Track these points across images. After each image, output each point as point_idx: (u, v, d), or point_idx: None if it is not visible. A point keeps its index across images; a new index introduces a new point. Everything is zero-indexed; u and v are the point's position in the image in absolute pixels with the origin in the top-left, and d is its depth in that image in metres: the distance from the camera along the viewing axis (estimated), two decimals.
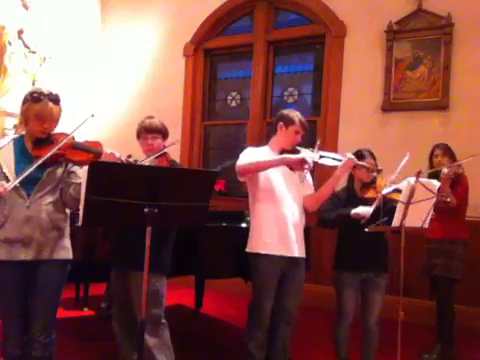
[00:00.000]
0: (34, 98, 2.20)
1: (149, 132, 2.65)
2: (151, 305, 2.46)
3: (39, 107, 2.20)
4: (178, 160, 3.50)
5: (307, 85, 5.70)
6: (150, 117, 2.74)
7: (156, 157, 2.50)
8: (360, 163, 2.77)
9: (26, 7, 5.50)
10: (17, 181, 2.12)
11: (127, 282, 2.53)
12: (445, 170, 3.27)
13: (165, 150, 2.58)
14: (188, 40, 6.04)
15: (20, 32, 5.43)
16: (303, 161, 2.62)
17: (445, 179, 3.24)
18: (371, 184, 2.84)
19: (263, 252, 2.73)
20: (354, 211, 2.74)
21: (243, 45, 5.88)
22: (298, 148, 2.83)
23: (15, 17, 5.39)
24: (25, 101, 2.24)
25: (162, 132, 2.69)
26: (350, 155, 2.76)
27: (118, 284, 2.65)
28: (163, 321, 2.59)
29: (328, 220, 2.88)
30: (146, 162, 2.44)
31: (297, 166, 2.67)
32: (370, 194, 2.80)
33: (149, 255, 2.02)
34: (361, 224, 2.67)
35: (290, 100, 5.73)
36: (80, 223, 1.95)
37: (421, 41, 4.73)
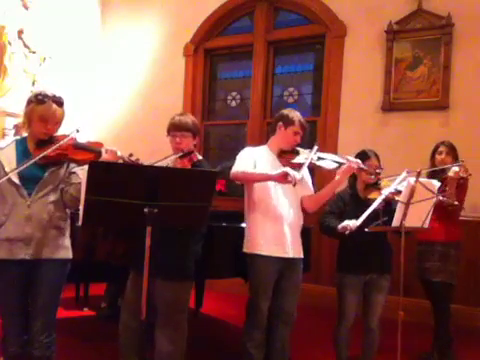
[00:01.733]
0: (38, 100, 2.22)
1: (178, 130, 2.51)
2: (176, 312, 2.46)
3: (43, 109, 2.22)
4: None
5: (307, 85, 5.69)
6: (182, 114, 2.60)
7: (179, 157, 2.40)
8: (362, 167, 2.75)
9: (26, 7, 5.51)
10: (14, 172, 2.12)
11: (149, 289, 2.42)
12: (456, 169, 3.16)
13: (189, 151, 2.44)
14: (188, 40, 6.04)
15: (20, 32, 5.44)
16: (286, 175, 2.53)
17: (453, 178, 3.15)
18: (375, 185, 2.83)
19: (259, 253, 2.72)
20: (341, 225, 2.69)
21: (243, 45, 5.88)
22: (297, 149, 2.82)
23: (15, 17, 5.39)
24: (29, 102, 2.26)
25: (192, 131, 2.53)
26: (353, 158, 2.75)
27: (135, 288, 2.44)
28: (184, 326, 2.53)
29: (322, 227, 2.88)
30: (168, 161, 2.36)
31: (282, 181, 2.58)
32: (373, 195, 2.77)
33: (149, 255, 2.00)
34: (361, 224, 2.66)
35: (290, 100, 5.73)
36: (80, 223, 1.95)
37: (421, 41, 4.74)
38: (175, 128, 2.52)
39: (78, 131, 2.24)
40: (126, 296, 2.63)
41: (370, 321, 2.88)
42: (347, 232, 2.64)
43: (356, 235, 2.72)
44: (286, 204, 2.78)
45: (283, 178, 2.54)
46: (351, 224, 2.65)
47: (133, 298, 2.47)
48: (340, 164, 2.75)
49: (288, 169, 2.56)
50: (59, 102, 2.26)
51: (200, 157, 2.62)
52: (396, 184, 2.67)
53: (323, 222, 2.86)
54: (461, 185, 3.28)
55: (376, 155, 2.91)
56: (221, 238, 3.10)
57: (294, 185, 2.57)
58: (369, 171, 2.78)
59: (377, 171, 2.78)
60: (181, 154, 2.42)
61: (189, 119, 2.55)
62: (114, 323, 2.67)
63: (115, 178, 1.94)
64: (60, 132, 2.34)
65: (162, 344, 2.47)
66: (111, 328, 2.69)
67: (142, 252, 2.18)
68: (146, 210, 1.95)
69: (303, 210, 2.90)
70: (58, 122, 2.29)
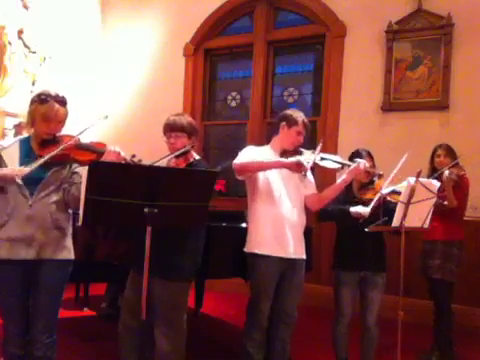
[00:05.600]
0: (41, 100, 2.24)
1: (172, 130, 2.53)
2: (173, 311, 2.45)
3: (45, 108, 2.23)
4: None
5: (307, 85, 5.70)
6: (178, 114, 2.61)
7: (175, 156, 2.42)
8: (368, 169, 2.76)
9: (26, 7, 5.50)
10: (29, 170, 2.10)
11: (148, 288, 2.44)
12: (446, 172, 3.22)
13: (184, 150, 2.46)
14: (188, 40, 6.04)
15: (20, 32, 5.44)
16: (299, 164, 2.57)
17: (447, 181, 3.19)
18: (370, 185, 2.85)
19: (260, 253, 2.72)
20: (355, 209, 2.75)
21: (243, 45, 5.89)
22: (300, 149, 2.82)
23: (15, 17, 5.39)
24: (32, 102, 2.27)
25: (186, 131, 2.53)
26: (360, 160, 2.76)
27: (134, 287, 2.48)
28: (183, 325, 2.52)
29: (328, 213, 2.89)
30: (163, 161, 2.37)
31: (294, 169, 2.64)
32: (369, 195, 2.80)
33: (149, 255, 2.00)
34: (360, 223, 2.67)
35: (290, 100, 5.73)
36: (80, 223, 1.95)
37: (421, 41, 4.74)
38: (169, 129, 2.55)
39: (106, 117, 2.24)
40: (125, 295, 2.63)
41: (368, 320, 2.89)
42: (361, 220, 2.68)
43: (353, 233, 2.77)
44: (288, 204, 2.77)
45: (295, 166, 2.58)
46: (363, 212, 2.70)
47: (132, 297, 2.49)
48: (342, 164, 2.77)
49: (301, 158, 2.60)
50: (62, 101, 2.28)
51: (197, 156, 2.63)
52: (395, 171, 2.69)
53: (329, 208, 2.87)
54: (458, 186, 3.30)
55: (369, 154, 2.92)
56: (221, 238, 3.10)
57: (304, 175, 2.62)
58: (369, 172, 2.79)
59: (380, 173, 2.79)
60: (177, 153, 2.44)
61: (184, 120, 2.56)
62: (114, 323, 2.67)
63: (115, 178, 1.94)
64: (62, 131, 2.34)
65: (161, 344, 2.47)
66: (111, 328, 2.70)
67: (140, 251, 2.18)
68: (146, 210, 1.95)
69: (306, 208, 2.90)
70: (61, 121, 2.30)
